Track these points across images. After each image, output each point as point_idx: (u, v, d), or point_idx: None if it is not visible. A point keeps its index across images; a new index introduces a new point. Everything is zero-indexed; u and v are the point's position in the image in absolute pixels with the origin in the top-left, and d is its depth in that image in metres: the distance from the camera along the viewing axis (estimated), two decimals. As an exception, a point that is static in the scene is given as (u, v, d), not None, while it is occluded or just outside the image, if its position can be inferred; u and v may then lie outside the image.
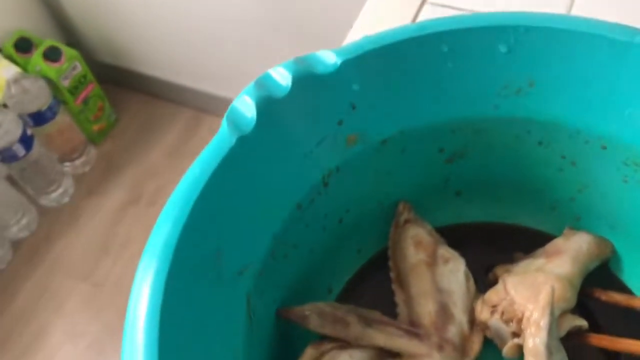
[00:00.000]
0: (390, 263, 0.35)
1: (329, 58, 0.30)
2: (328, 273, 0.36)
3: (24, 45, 1.29)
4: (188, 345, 0.24)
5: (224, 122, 0.28)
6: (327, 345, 0.31)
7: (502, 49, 0.30)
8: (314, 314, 0.31)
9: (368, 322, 0.31)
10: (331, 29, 0.98)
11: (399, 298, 0.34)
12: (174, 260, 0.24)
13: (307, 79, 0.29)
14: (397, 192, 0.36)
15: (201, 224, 0.26)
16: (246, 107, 0.28)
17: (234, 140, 0.27)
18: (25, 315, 1.26)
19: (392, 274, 0.34)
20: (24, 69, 1.28)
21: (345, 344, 0.31)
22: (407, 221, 0.35)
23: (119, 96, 1.55)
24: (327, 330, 0.31)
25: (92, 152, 1.46)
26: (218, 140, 0.27)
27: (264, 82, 0.29)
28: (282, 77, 0.29)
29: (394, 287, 0.34)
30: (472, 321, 0.33)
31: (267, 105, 0.28)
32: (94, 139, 1.47)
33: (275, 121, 0.29)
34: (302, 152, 0.30)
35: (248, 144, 0.28)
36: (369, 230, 0.36)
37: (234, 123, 0.28)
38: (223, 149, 0.27)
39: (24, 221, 1.35)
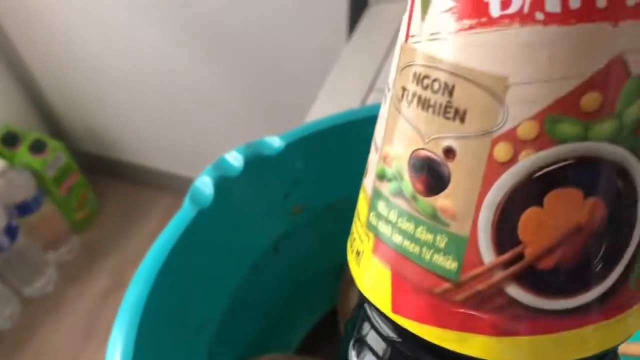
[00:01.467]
0: (339, 317, 0.40)
1: (275, 142, 0.36)
2: (285, 329, 0.40)
3: (10, 139, 1.35)
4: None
5: (187, 199, 0.34)
6: (282, 390, 0.35)
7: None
8: (270, 363, 0.35)
9: (318, 369, 0.35)
10: (295, 112, 1.06)
11: (347, 347, 0.38)
12: (144, 313, 0.29)
13: (257, 160, 0.35)
14: (342, 253, 0.41)
15: (167, 284, 0.31)
16: (205, 185, 0.34)
17: (194, 214, 0.33)
18: (6, 407, 1.26)
19: (341, 327, 0.39)
20: (11, 161, 1.34)
21: (298, 388, 0.35)
22: (352, 279, 0.40)
23: (101, 184, 1.60)
24: (282, 376, 0.35)
25: (76, 240, 1.49)
26: (181, 215, 0.33)
27: (220, 164, 0.35)
28: (235, 160, 0.35)
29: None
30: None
31: (223, 183, 0.34)
32: (77, 228, 1.51)
33: (230, 196, 0.34)
34: (254, 222, 0.36)
35: (206, 216, 0.33)
36: (320, 289, 0.41)
37: (195, 199, 0.33)
38: (185, 221, 0.32)
39: (7, 312, 1.36)
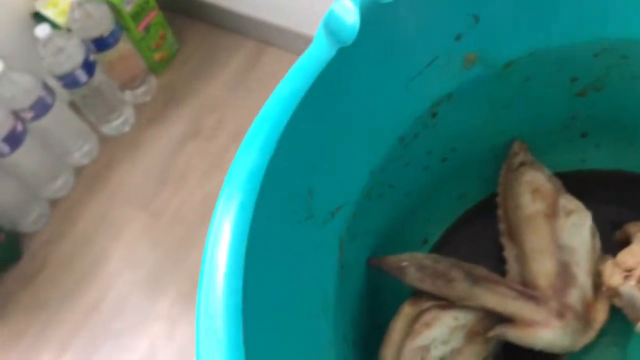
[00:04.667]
0: (500, 212, 0.30)
1: (451, -44, 0.24)
2: (424, 220, 0.31)
3: (87, -32, 1.26)
4: (275, 293, 0.20)
5: (320, 30, 0.23)
6: (426, 303, 0.26)
7: (676, -51, 0.24)
8: (412, 266, 0.26)
9: (475, 280, 0.26)
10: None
11: (509, 253, 0.29)
12: (261, 195, 0.20)
13: (423, -19, 0.23)
14: (512, 129, 0.30)
15: (291, 155, 0.21)
16: (347, 13, 0.23)
17: (333, 53, 0.22)
18: (86, 240, 1.28)
19: (501, 225, 0.29)
20: (87, -8, 1.25)
21: (446, 303, 0.26)
22: (522, 164, 0.30)
23: (181, 25, 1.51)
24: (427, 285, 0.26)
25: (153, 81, 1.43)
26: (313, 52, 0.22)
27: (369, -16, 0.23)
28: (392, -22, 0.23)
29: (504, 240, 0.29)
30: (597, 286, 0.28)
31: (373, 10, 0.23)
32: (154, 69, 1.44)
33: (381, 31, 0.23)
34: (410, 74, 0.25)
35: (348, 58, 0.23)
36: (475, 172, 0.31)
37: (333, 32, 0.23)
38: (319, 63, 0.22)
39: (85, 148, 1.35)
